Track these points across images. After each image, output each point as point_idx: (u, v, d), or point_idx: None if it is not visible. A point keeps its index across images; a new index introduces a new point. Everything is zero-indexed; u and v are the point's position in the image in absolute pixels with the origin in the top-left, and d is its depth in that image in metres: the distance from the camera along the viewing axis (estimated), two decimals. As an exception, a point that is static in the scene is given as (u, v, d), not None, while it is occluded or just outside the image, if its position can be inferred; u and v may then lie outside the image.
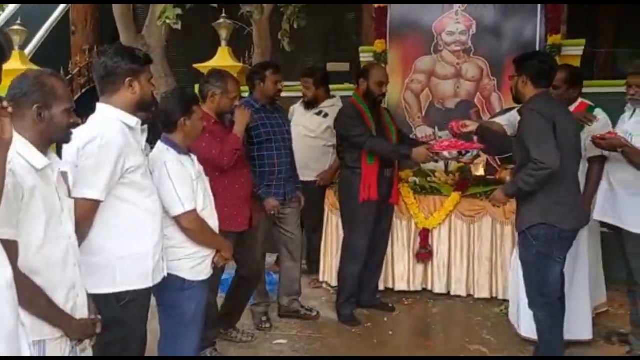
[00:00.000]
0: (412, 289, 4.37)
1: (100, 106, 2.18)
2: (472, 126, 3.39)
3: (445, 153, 3.51)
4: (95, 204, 2.07)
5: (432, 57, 4.95)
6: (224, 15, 5.36)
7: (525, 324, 3.43)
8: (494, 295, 4.22)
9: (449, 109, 4.94)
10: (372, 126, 3.79)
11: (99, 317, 1.93)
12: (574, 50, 4.61)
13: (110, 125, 2.12)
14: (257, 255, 3.58)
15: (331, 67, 7.00)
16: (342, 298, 3.98)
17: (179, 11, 3.19)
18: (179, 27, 3.30)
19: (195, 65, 5.63)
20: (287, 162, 3.71)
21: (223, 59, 5.59)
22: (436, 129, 4.92)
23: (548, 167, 2.78)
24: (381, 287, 4.32)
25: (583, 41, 4.67)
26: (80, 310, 1.85)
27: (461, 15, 4.87)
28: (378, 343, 3.66)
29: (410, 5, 4.95)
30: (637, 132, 3.19)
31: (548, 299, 3.03)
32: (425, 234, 4.31)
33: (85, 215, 2.03)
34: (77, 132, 1.96)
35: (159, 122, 2.58)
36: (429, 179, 4.47)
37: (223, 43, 5.60)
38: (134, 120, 2.19)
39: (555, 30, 4.60)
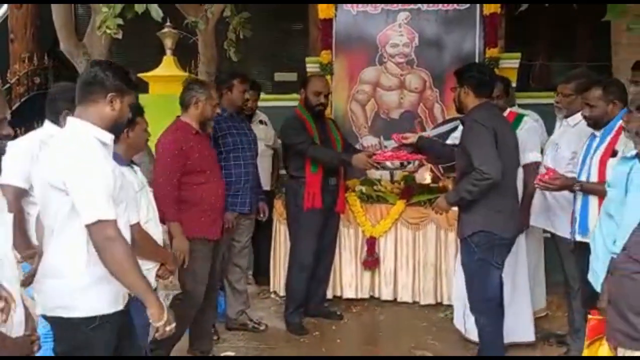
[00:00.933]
0: (359, 296, 4.42)
1: (73, 121, 2.06)
2: (412, 138, 3.48)
3: (388, 163, 3.61)
4: (113, 224, 1.94)
5: (377, 68, 5.05)
6: (168, 24, 5.30)
7: (471, 327, 3.52)
8: (439, 301, 4.32)
9: (393, 119, 5.05)
10: (316, 135, 3.84)
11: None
12: (510, 63, 4.81)
13: (89, 143, 2.01)
14: (217, 267, 3.47)
15: (279, 77, 7.04)
16: (290, 308, 3.99)
17: (119, 21, 3.14)
18: (119, 36, 3.25)
19: (139, 75, 5.54)
20: (253, 171, 3.73)
21: (168, 68, 5.53)
22: (381, 138, 5.01)
23: (490, 177, 2.87)
24: (329, 295, 4.36)
25: (519, 54, 4.88)
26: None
27: (404, 28, 4.99)
28: (326, 351, 3.68)
29: (355, 17, 5.04)
30: (562, 142, 3.35)
31: (488, 304, 3.12)
32: (372, 242, 4.38)
33: (107, 237, 1.92)
34: (53, 153, 1.95)
35: None
36: (375, 187, 4.55)
37: (168, 52, 5.54)
38: (108, 137, 2.09)
39: (493, 43, 4.79)
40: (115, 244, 1.93)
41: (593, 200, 2.92)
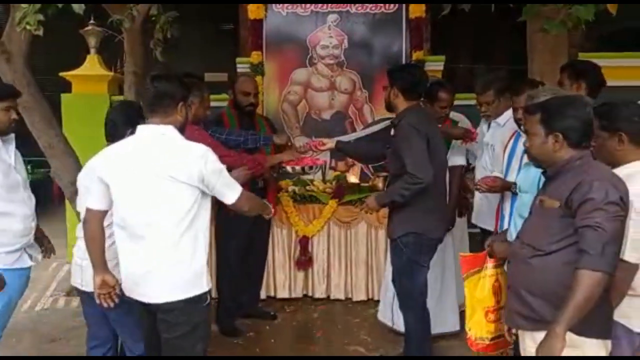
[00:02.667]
0: (293, 296, 4.46)
1: (161, 127, 2.27)
2: (329, 144, 3.54)
3: (288, 168, 3.67)
4: None
5: (307, 69, 5.11)
6: (92, 22, 5.14)
7: (400, 320, 3.62)
8: (371, 297, 4.43)
9: (325, 120, 5.12)
10: None
11: None
12: (435, 66, 4.99)
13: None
14: None
15: (209, 77, 6.96)
16: (222, 310, 3.96)
17: (40, 17, 2.99)
18: (40, 33, 3.11)
19: (61, 74, 5.33)
20: None
21: (92, 67, 5.37)
22: (313, 138, 5.05)
23: (422, 181, 2.93)
24: (263, 295, 4.37)
25: (443, 57, 5.08)
26: None
27: (334, 30, 5.07)
28: (261, 352, 3.70)
29: (285, 18, 5.07)
30: (495, 142, 3.51)
31: (416, 302, 3.21)
32: (305, 242, 4.42)
33: (248, 197, 2.43)
34: (177, 155, 2.21)
35: (106, 133, 2.62)
36: (307, 187, 4.60)
37: (92, 51, 5.38)
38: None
39: (419, 46, 4.95)
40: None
41: None
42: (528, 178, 2.58)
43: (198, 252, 2.27)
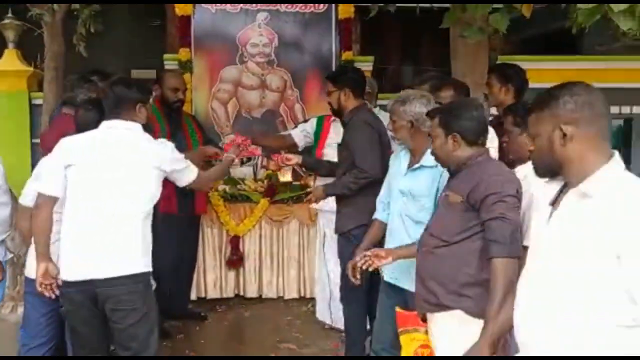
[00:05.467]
0: (224, 295, 4.43)
1: (131, 124, 2.52)
2: (294, 159, 3.57)
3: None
4: None
5: (237, 67, 5.07)
6: (10, 15, 4.89)
7: (336, 316, 3.71)
8: (303, 295, 4.46)
9: (255, 118, 5.10)
10: (162, 134, 3.71)
11: None
12: (364, 66, 5.05)
13: None
14: None
15: (136, 74, 6.75)
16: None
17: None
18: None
19: (-24, 69, 5.04)
20: None
21: (10, 62, 5.10)
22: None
23: (370, 175, 3.05)
24: (193, 296, 4.31)
25: (372, 58, 5.17)
26: None
27: (264, 29, 5.06)
28: (190, 353, 3.64)
29: (214, 15, 5.02)
30: None
31: (358, 295, 3.25)
32: (236, 241, 4.39)
33: None
34: (150, 146, 2.51)
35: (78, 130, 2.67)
36: (238, 186, 4.57)
37: (10, 45, 5.13)
38: None
39: (348, 47, 5.03)
40: None
41: None
42: (423, 182, 2.61)
43: (149, 232, 2.51)
